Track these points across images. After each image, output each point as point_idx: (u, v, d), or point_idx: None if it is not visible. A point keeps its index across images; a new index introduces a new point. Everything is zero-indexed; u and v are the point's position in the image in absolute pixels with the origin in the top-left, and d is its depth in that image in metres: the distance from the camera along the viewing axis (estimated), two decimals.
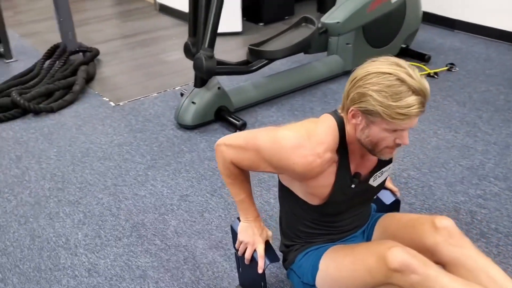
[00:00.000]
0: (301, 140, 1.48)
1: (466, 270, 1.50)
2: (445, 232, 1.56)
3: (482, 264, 1.51)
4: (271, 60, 3.28)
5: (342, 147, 1.51)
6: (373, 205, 1.93)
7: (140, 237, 2.30)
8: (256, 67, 3.22)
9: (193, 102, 3.13)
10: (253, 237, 1.73)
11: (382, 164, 1.61)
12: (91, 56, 4.16)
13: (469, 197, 2.46)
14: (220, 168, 1.70)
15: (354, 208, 1.70)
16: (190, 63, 3.14)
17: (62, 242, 2.29)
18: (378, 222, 1.79)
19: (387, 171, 1.66)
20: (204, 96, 3.14)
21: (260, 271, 1.71)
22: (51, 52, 4.17)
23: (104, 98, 3.65)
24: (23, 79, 3.87)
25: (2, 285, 2.07)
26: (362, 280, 1.53)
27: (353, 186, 1.56)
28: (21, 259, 2.20)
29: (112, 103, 3.58)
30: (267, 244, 1.76)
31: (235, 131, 3.04)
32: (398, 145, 1.44)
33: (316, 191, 1.57)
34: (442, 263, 1.57)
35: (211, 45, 2.94)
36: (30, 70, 4.01)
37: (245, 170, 1.69)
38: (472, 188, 2.52)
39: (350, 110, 1.43)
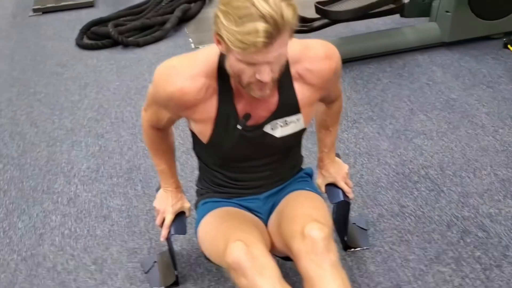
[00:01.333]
0: (174, 68, 1.37)
1: None
2: (310, 244, 1.38)
3: None
4: (335, 21, 3.05)
5: (222, 78, 1.35)
6: (308, 172, 1.75)
7: (128, 179, 2.44)
8: (317, 25, 3.03)
9: None
10: (165, 206, 1.74)
11: (284, 110, 1.42)
12: None
13: (476, 214, 2.10)
14: (143, 138, 1.71)
15: (254, 161, 1.55)
16: None
17: (67, 169, 2.54)
18: (287, 196, 1.62)
19: (295, 123, 1.46)
20: None
21: (161, 239, 1.74)
22: None
23: (190, 39, 3.78)
24: (134, 11, 4.17)
25: (2, 195, 2.40)
26: (218, 259, 1.48)
27: (239, 127, 1.41)
28: (28, 177, 2.51)
29: (192, 45, 3.69)
30: (179, 215, 1.76)
31: None
32: (261, 81, 1.24)
33: (201, 127, 1.45)
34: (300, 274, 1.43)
35: None
36: (145, 3, 4.29)
37: (164, 134, 1.66)
38: (487, 204, 2.14)
39: (214, 34, 1.24)
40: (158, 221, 1.75)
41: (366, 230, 2.06)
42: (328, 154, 1.83)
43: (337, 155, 1.95)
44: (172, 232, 1.72)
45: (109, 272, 1.97)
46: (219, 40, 1.21)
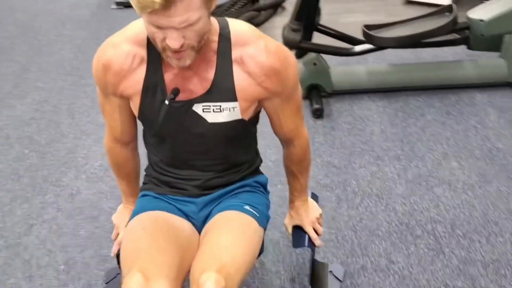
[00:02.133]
0: (103, 43, 1.36)
1: None
2: None
3: None
4: (380, 48, 2.85)
5: (152, 47, 1.28)
6: (261, 180, 1.63)
7: None
8: (360, 50, 2.85)
9: None
10: (121, 222, 1.72)
11: (219, 93, 1.34)
12: (265, 4, 4.23)
13: (470, 287, 1.86)
14: (107, 158, 1.66)
15: (187, 147, 1.46)
16: None
17: (81, 164, 2.63)
18: (217, 216, 1.50)
19: (230, 111, 1.36)
20: None
21: (112, 254, 1.72)
22: None
23: None
24: None
25: (15, 180, 2.52)
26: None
27: (166, 102, 1.33)
28: (44, 166, 2.62)
29: None
30: None
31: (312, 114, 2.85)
32: (177, 47, 1.18)
33: (133, 102, 1.39)
34: None
35: (298, 18, 2.73)
36: (218, 7, 4.31)
37: (128, 154, 1.62)
38: (488, 278, 1.88)
39: None
40: (113, 235, 1.73)
41: (340, 281, 1.90)
42: (299, 196, 1.71)
43: (314, 196, 1.83)
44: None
45: (74, 275, 1.99)
46: None
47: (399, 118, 2.82)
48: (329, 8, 4.26)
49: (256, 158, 1.65)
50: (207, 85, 1.34)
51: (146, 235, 1.42)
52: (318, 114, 2.85)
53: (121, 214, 1.73)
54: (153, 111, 1.38)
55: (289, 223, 1.75)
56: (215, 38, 1.32)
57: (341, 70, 3.07)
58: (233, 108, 1.37)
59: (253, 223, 1.51)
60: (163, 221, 1.49)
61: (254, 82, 1.35)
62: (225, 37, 1.32)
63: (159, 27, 1.16)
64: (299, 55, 2.96)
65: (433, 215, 2.17)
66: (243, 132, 1.48)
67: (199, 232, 1.55)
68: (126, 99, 1.42)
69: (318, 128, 2.78)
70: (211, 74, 1.33)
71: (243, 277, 1.37)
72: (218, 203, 1.56)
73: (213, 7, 1.23)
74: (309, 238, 1.71)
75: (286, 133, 1.54)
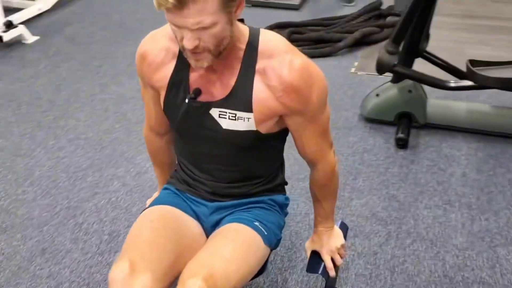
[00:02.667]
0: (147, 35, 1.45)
1: None
2: None
3: None
4: (482, 87, 2.64)
5: None
6: (278, 200, 1.60)
7: None
8: (457, 86, 2.66)
9: (377, 95, 2.90)
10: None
11: (236, 101, 1.34)
12: (390, 22, 4.10)
13: None
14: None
15: (202, 147, 1.48)
16: None
17: None
18: (224, 226, 1.50)
19: (244, 121, 1.36)
20: (389, 94, 2.86)
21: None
22: (374, 6, 4.26)
23: (355, 63, 3.67)
24: (325, 22, 4.19)
25: (99, 150, 2.74)
26: None
27: (186, 100, 1.36)
28: (129, 142, 2.80)
29: (353, 69, 3.59)
30: None
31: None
32: (191, 48, 1.21)
33: (161, 95, 1.45)
34: None
35: (396, 40, 2.61)
36: (344, 16, 4.26)
37: (164, 146, 1.70)
38: None
39: None
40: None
41: None
42: (323, 222, 1.66)
43: (343, 226, 1.77)
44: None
45: (112, 247, 2.12)
46: None
47: (488, 165, 2.59)
48: (457, 36, 4.03)
49: (276, 176, 1.61)
50: (227, 91, 1.35)
51: (149, 228, 1.47)
52: (401, 144, 2.71)
53: (153, 199, 1.80)
54: (174, 107, 1.42)
55: (308, 247, 1.71)
56: (243, 46, 1.33)
57: (438, 102, 2.90)
58: (248, 118, 1.36)
59: (259, 240, 1.48)
60: (172, 217, 1.52)
61: (272, 96, 1.33)
62: (253, 46, 1.32)
63: (176, 26, 1.19)
64: (395, 80, 2.84)
65: (485, 275, 1.98)
66: (258, 145, 1.45)
67: (208, 236, 1.56)
68: (157, 91, 1.47)
69: (396, 158, 2.65)
70: (232, 81, 1.34)
71: None
72: (230, 213, 1.55)
73: (237, 14, 1.24)
74: (324, 266, 1.65)
75: (308, 154, 1.51)
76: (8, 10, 4.06)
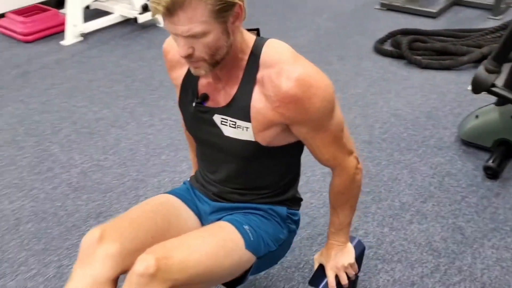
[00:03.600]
0: None
1: None
2: (129, 275, 1.29)
3: None
4: None
5: None
6: (280, 212, 1.55)
7: None
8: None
9: (476, 116, 2.65)
10: None
11: (236, 110, 1.35)
12: None
13: None
14: None
15: (209, 149, 1.50)
16: None
17: None
18: (216, 222, 1.52)
19: (243, 130, 1.36)
20: (489, 117, 2.59)
21: None
22: None
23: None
24: (459, 34, 3.90)
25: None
26: None
27: (194, 104, 1.42)
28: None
29: (469, 87, 3.30)
30: None
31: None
32: (183, 56, 1.24)
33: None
34: None
35: (497, 58, 2.35)
36: (480, 30, 3.94)
37: None
38: None
39: None
40: None
41: None
42: (335, 235, 1.59)
43: (360, 244, 1.68)
44: None
45: None
46: None
47: None
48: None
49: (285, 190, 1.56)
50: (228, 99, 1.36)
51: (140, 209, 1.52)
52: (489, 174, 2.44)
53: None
54: (185, 108, 1.47)
55: (316, 259, 1.65)
56: (246, 56, 1.33)
57: None
58: (246, 128, 1.36)
59: (240, 243, 1.44)
60: (171, 206, 1.56)
61: (269, 105, 1.31)
62: (255, 56, 1.32)
63: (171, 33, 1.22)
64: (500, 103, 2.56)
65: None
66: (261, 157, 1.43)
67: None
68: (176, 87, 1.52)
69: (480, 188, 2.39)
70: (234, 89, 1.35)
71: (186, 281, 1.31)
72: (228, 215, 1.54)
73: (235, 25, 1.24)
74: (326, 283, 1.57)
75: (323, 162, 1.47)
76: None
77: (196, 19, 1.16)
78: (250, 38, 1.35)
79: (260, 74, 1.31)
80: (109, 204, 2.33)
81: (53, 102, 3.18)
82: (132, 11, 4.13)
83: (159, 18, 4.18)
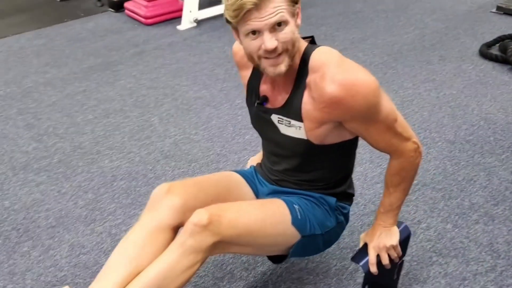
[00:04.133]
0: None
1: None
2: (185, 226, 1.48)
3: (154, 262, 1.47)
4: None
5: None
6: (330, 202, 1.68)
7: None
8: None
9: None
10: (250, 161, 2.05)
11: (290, 111, 1.50)
12: None
13: None
14: None
15: (269, 143, 1.68)
16: None
17: None
18: (269, 199, 1.68)
19: (296, 129, 1.51)
20: None
21: None
22: None
23: None
24: None
25: None
26: None
27: (256, 104, 1.59)
28: None
29: None
30: None
31: None
32: (267, 51, 1.36)
33: None
34: None
35: None
36: None
37: None
38: None
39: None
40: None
41: None
42: (383, 216, 1.68)
43: (406, 229, 1.75)
44: None
45: None
46: (232, 30, 1.43)
47: None
48: None
49: (335, 185, 1.68)
50: (283, 101, 1.52)
51: (207, 176, 1.77)
52: None
53: (253, 158, 2.03)
54: (250, 107, 1.65)
55: (362, 238, 1.74)
56: (298, 61, 1.46)
57: None
58: (299, 127, 1.51)
59: (287, 217, 1.59)
60: (234, 181, 1.76)
61: (317, 107, 1.44)
62: (305, 61, 1.46)
63: (254, 32, 1.35)
64: None
65: None
66: (311, 153, 1.57)
67: None
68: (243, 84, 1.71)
69: None
70: (288, 92, 1.50)
71: (233, 239, 1.48)
72: (279, 196, 1.69)
73: (298, 23, 1.40)
74: (368, 260, 1.67)
75: (381, 150, 1.58)
76: None
77: (280, 8, 1.32)
78: (303, 44, 1.48)
79: (309, 79, 1.45)
80: (192, 172, 2.57)
81: (160, 80, 3.51)
82: None
83: None
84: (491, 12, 4.44)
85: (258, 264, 2.03)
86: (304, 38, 1.51)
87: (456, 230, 2.16)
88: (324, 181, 1.66)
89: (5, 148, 2.83)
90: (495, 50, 3.70)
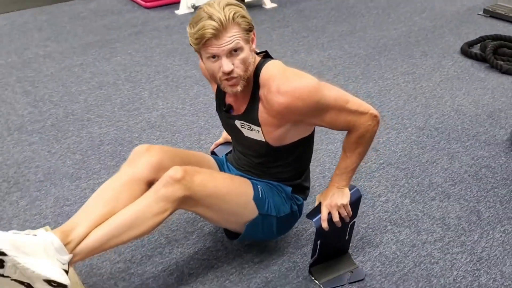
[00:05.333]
0: None
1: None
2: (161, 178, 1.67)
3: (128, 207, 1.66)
4: None
5: None
6: (286, 190, 1.91)
7: None
8: None
9: None
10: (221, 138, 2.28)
11: (249, 118, 1.71)
12: None
13: None
14: None
15: (237, 143, 1.91)
16: None
17: None
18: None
19: (256, 132, 1.73)
20: None
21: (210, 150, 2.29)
22: None
23: None
24: None
25: None
26: None
27: (223, 111, 1.81)
28: None
29: None
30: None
31: None
32: (225, 73, 1.55)
33: None
34: None
35: None
36: None
37: None
38: None
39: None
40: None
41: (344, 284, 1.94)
42: (338, 177, 1.84)
43: (357, 192, 1.90)
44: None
45: None
46: (197, 53, 1.61)
47: None
48: None
49: (292, 178, 1.90)
50: (243, 110, 1.73)
51: (183, 149, 2.07)
52: None
53: (217, 141, 2.27)
54: (219, 112, 1.86)
55: (317, 198, 1.91)
56: (252, 76, 1.67)
57: None
58: (258, 131, 1.72)
59: (250, 192, 1.80)
60: (206, 159, 1.99)
61: (271, 114, 1.66)
62: (257, 76, 1.67)
63: (214, 56, 1.55)
64: None
65: None
66: (270, 154, 1.79)
67: None
68: None
69: None
70: (246, 103, 1.72)
71: (201, 197, 1.67)
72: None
73: (252, 47, 1.60)
74: (320, 217, 1.84)
75: (342, 129, 1.76)
76: None
77: (234, 36, 1.53)
78: (256, 60, 1.69)
79: (260, 92, 1.67)
80: (175, 142, 2.75)
81: (154, 59, 3.69)
82: None
83: (266, 0, 4.59)
84: (478, 14, 4.61)
85: None
86: (259, 53, 1.72)
87: (413, 204, 2.33)
88: (283, 175, 1.88)
89: (2, 111, 3.01)
90: (476, 49, 3.87)
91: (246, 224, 1.81)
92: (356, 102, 1.71)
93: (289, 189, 1.90)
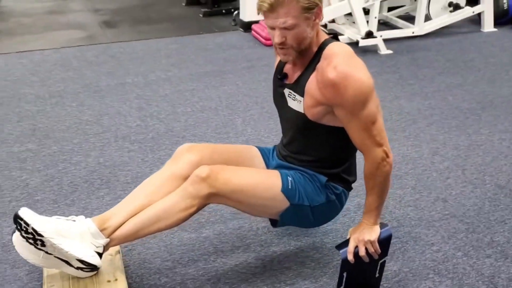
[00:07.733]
0: None
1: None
2: (193, 177, 1.83)
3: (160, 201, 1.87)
4: None
5: None
6: (322, 180, 1.95)
7: None
8: None
9: None
10: None
11: (297, 87, 1.81)
12: None
13: None
14: None
15: (281, 121, 2.04)
16: None
17: None
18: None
19: (297, 102, 1.82)
20: None
21: None
22: None
23: None
24: None
25: None
26: None
27: (278, 77, 1.92)
28: None
29: None
30: None
31: None
32: (277, 43, 1.70)
33: None
34: None
35: None
36: None
37: None
38: None
39: None
40: None
41: None
42: (366, 214, 1.93)
43: (386, 231, 1.94)
44: None
45: None
46: None
47: None
48: None
49: (329, 166, 1.95)
50: (294, 79, 1.87)
51: (227, 145, 2.21)
52: None
53: None
54: (274, 82, 2.02)
55: (350, 232, 1.99)
56: (315, 49, 1.81)
57: None
58: (300, 101, 1.84)
59: (278, 184, 1.90)
60: (249, 152, 2.13)
61: (317, 86, 1.78)
62: (320, 50, 1.80)
63: (270, 27, 1.75)
64: None
65: None
66: (307, 128, 1.88)
67: None
68: None
69: None
70: (300, 73, 1.85)
71: (226, 194, 1.84)
72: (286, 169, 2.02)
73: (316, 22, 1.73)
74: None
75: (356, 145, 1.84)
76: (387, 25, 5.02)
77: (290, 14, 1.66)
78: (323, 36, 1.82)
79: (319, 64, 1.78)
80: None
81: (257, 90, 3.96)
82: (357, 35, 4.71)
83: (381, 45, 4.67)
84: None
85: (273, 244, 2.34)
86: (328, 34, 1.84)
87: (464, 258, 2.27)
88: (320, 162, 1.95)
89: (116, 121, 3.46)
90: None
91: (279, 214, 1.92)
92: (379, 129, 1.77)
93: (324, 178, 1.94)
